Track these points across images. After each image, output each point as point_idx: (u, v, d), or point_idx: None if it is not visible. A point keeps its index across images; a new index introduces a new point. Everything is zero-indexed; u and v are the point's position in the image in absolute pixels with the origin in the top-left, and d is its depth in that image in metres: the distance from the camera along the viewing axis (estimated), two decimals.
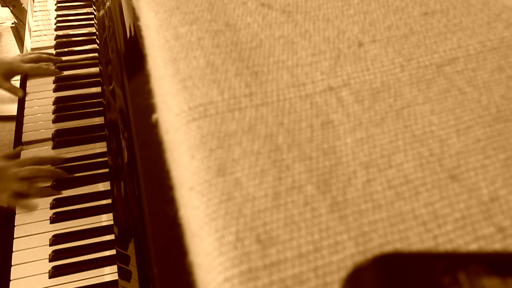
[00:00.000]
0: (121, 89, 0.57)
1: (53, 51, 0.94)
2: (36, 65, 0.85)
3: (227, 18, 0.35)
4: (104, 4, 0.79)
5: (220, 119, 0.28)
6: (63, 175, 0.70)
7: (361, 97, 0.30)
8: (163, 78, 0.31)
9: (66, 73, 0.90)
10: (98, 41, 0.92)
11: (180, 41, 0.33)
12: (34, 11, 1.05)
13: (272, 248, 0.22)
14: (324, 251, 0.22)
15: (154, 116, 0.33)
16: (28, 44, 0.97)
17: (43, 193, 0.68)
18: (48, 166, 0.71)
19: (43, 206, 0.68)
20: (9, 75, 0.83)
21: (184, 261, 0.25)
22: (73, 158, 0.75)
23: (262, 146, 0.26)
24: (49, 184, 0.69)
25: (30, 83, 0.87)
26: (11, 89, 0.82)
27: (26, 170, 0.68)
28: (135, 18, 0.44)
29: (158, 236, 0.38)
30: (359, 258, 0.22)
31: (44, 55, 0.88)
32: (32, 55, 0.87)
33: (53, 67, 0.88)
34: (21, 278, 0.61)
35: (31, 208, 0.67)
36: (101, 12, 0.83)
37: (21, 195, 0.67)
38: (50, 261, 0.63)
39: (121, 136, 0.54)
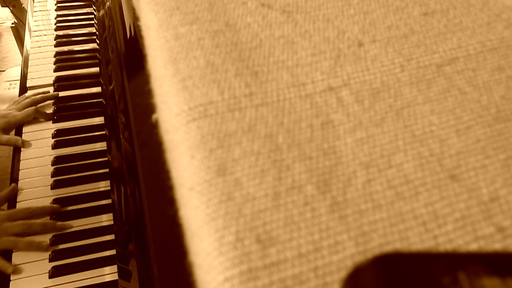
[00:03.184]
0: (121, 89, 0.57)
1: (53, 51, 0.94)
2: (31, 109, 0.80)
3: (227, 18, 0.35)
4: (104, 4, 0.79)
5: (220, 119, 0.28)
6: (56, 229, 0.66)
7: (361, 97, 0.30)
8: (163, 78, 0.31)
9: (66, 73, 0.90)
10: (98, 41, 0.92)
11: (180, 41, 0.33)
12: (34, 11, 1.05)
13: (272, 248, 0.22)
14: (324, 251, 0.22)
15: (154, 116, 0.33)
16: (28, 44, 0.97)
17: (31, 248, 0.64)
18: (42, 220, 0.66)
19: None
20: (6, 129, 0.78)
21: (184, 261, 0.25)
22: (73, 158, 0.75)
23: (262, 146, 0.26)
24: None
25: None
26: (9, 141, 0.77)
27: (17, 226, 0.64)
28: (135, 18, 0.44)
29: (158, 236, 0.38)
30: (359, 258, 0.22)
31: (38, 97, 0.83)
32: (27, 100, 0.82)
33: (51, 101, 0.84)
34: (21, 278, 0.61)
35: (15, 271, 0.62)
36: (101, 12, 0.83)
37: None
38: (50, 261, 0.63)
39: (121, 136, 0.54)
